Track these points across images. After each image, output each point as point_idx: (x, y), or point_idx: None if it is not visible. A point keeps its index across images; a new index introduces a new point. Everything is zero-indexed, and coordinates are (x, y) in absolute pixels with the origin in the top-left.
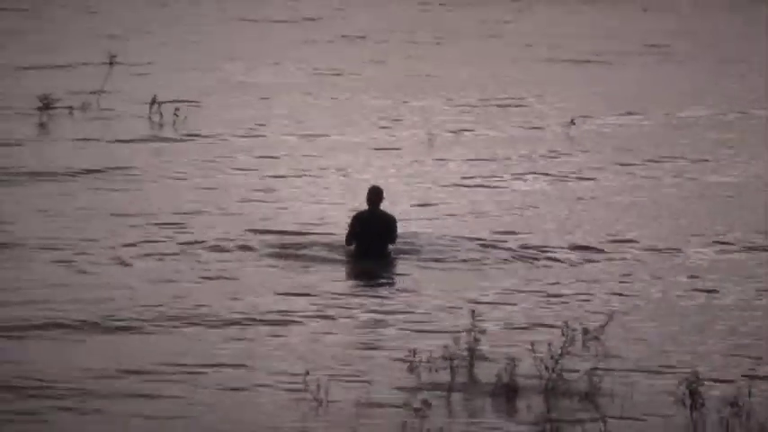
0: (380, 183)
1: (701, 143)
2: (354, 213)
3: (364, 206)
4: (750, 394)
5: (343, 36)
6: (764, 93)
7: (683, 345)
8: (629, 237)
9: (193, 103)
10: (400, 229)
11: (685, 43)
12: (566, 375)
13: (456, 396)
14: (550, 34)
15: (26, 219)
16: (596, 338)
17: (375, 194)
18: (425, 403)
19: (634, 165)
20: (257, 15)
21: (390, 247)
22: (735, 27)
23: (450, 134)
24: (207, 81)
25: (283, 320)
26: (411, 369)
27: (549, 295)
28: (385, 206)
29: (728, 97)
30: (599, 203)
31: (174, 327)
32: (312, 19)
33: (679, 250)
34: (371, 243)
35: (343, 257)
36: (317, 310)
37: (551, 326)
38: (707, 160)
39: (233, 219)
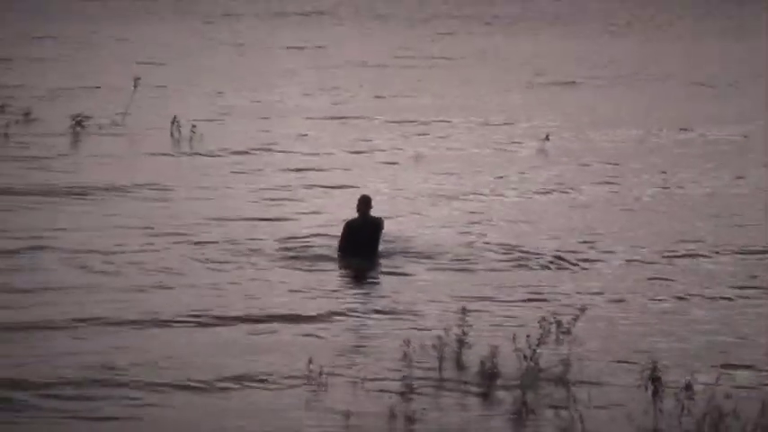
0: (375, 193)
1: (671, 158)
2: (346, 221)
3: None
4: (717, 381)
5: (347, 62)
6: (732, 114)
7: (648, 338)
8: (604, 242)
9: (209, 122)
10: (393, 232)
11: (661, 67)
12: (541, 363)
13: (444, 380)
14: (535, 60)
15: (62, 226)
16: (568, 332)
17: (364, 203)
18: (409, 387)
19: (607, 176)
20: (271, 43)
21: (380, 246)
22: (708, 53)
23: (436, 151)
24: (222, 102)
25: (291, 315)
26: (404, 356)
27: (530, 293)
28: (373, 212)
29: (698, 117)
30: (573, 211)
31: (196, 321)
32: (321, 47)
33: (651, 255)
34: (364, 246)
35: (342, 259)
36: (321, 306)
37: (530, 320)
38: (678, 173)
39: (246, 224)
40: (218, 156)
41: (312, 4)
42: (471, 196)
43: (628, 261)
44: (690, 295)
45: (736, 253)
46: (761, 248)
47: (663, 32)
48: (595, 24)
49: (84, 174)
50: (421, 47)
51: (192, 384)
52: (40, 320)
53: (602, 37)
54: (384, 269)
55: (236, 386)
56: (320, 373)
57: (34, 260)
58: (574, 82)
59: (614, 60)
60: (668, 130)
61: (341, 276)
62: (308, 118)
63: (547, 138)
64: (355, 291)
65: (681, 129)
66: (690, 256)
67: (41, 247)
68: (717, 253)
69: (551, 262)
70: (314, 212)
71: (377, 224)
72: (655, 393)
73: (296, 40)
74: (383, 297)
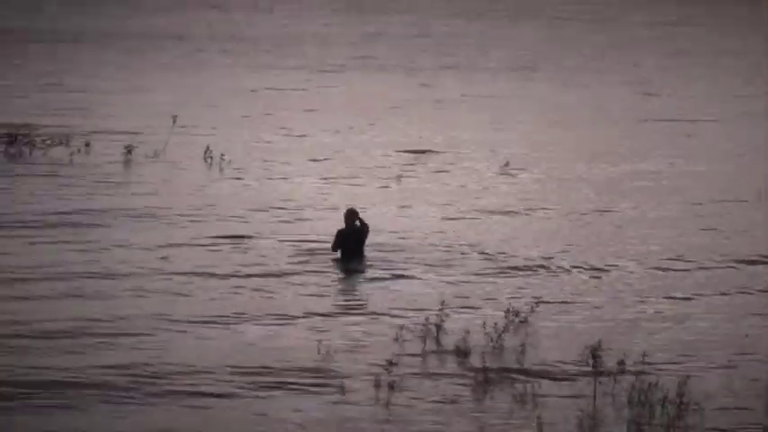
0: (376, 211)
1: (611, 186)
2: (338, 230)
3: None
4: (644, 359)
5: (357, 105)
6: (671, 149)
7: (591, 325)
8: (557, 249)
9: (237, 152)
10: (387, 240)
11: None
12: (504, 345)
13: (425, 358)
14: (501, 104)
15: (118, 240)
16: (525, 321)
17: (351, 215)
18: (397, 363)
19: (558, 197)
20: (285, 86)
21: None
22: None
23: (422, 175)
24: (248, 135)
25: (304, 310)
26: (396, 339)
27: (496, 290)
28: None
29: (643, 151)
30: (531, 224)
31: (233, 315)
32: (336, 92)
33: (597, 261)
34: (353, 251)
35: (341, 263)
36: (327, 301)
37: (496, 312)
38: (617, 197)
39: (265, 236)
40: (243, 179)
41: (332, 59)
42: (449, 211)
43: (577, 265)
44: (627, 295)
45: (669, 261)
46: (676, 256)
47: (620, 77)
48: (553, 70)
49: (134, 195)
50: (415, 92)
51: (230, 364)
52: (104, 318)
53: (560, 82)
54: (378, 271)
55: (264, 361)
56: (328, 352)
57: (95, 266)
58: (531, 121)
59: (563, 102)
60: (613, 163)
61: (343, 278)
62: (319, 148)
63: (507, 164)
64: (355, 288)
65: (620, 162)
66: (628, 262)
67: (99, 260)
68: (649, 260)
69: (514, 266)
70: (320, 225)
71: (361, 231)
72: (594, 367)
73: (317, 87)
74: (378, 293)
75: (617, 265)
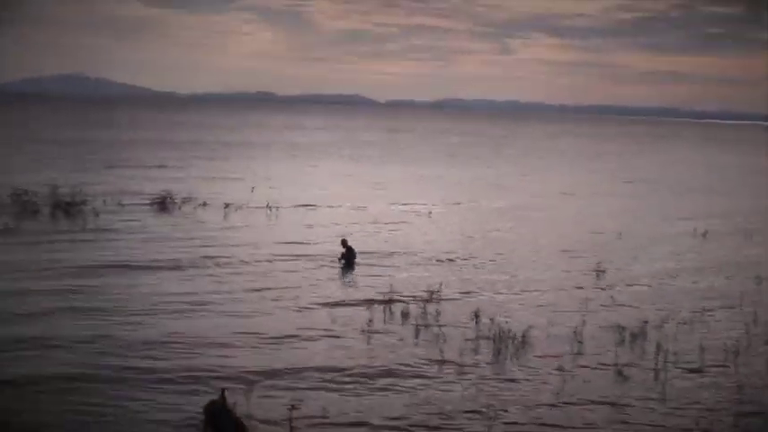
0: (362, 239)
1: (500, 225)
2: (345, 249)
3: (354, 243)
4: (497, 317)
5: (373, 183)
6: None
7: (476, 298)
8: (463, 255)
9: (287, 207)
10: (363, 254)
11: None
12: (427, 310)
13: (385, 320)
14: (448, 178)
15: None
16: (439, 296)
17: (344, 241)
18: (370, 322)
19: (464, 229)
20: (325, 169)
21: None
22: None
23: (384, 224)
24: (295, 199)
25: (322, 299)
26: (368, 308)
27: (422, 278)
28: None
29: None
30: (451, 243)
31: (279, 306)
32: (350, 175)
33: (478, 262)
34: (349, 261)
35: (343, 269)
36: (333, 289)
37: (421, 290)
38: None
39: (300, 253)
40: (290, 225)
41: (348, 155)
42: (400, 239)
43: (469, 264)
44: (501, 282)
45: (530, 263)
46: (534, 258)
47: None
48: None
49: (230, 232)
50: (404, 173)
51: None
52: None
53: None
54: (360, 272)
55: (290, 323)
56: (332, 318)
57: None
58: (460, 181)
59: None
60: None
61: (342, 277)
62: (337, 208)
63: (430, 213)
64: (348, 282)
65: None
66: (501, 261)
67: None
68: (516, 265)
69: (434, 265)
70: (329, 248)
71: (353, 251)
72: (475, 321)
73: (350, 171)
74: (359, 284)
75: (494, 261)
